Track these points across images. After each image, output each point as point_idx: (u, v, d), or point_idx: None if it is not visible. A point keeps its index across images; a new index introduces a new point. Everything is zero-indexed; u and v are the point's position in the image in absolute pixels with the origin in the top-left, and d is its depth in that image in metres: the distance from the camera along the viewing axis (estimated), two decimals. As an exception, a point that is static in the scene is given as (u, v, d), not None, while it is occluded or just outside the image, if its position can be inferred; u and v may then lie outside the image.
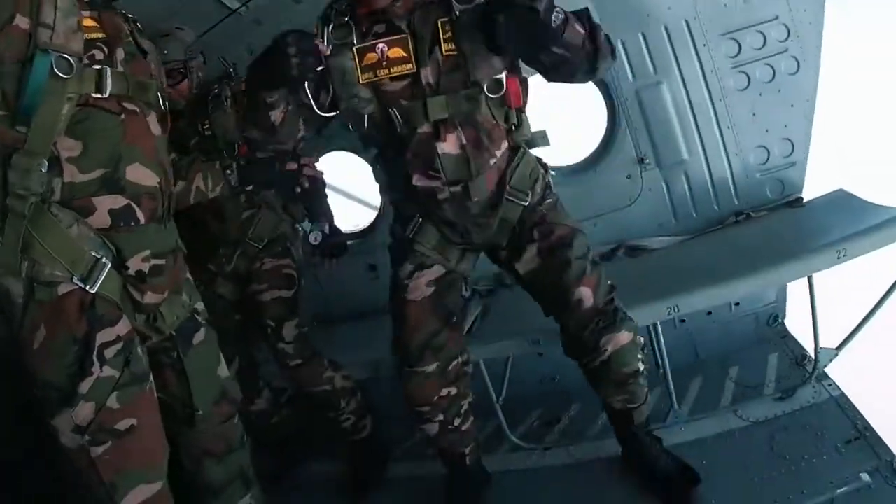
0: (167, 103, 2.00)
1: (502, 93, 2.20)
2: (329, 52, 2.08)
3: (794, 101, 3.56)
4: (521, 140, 2.36)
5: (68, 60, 1.64)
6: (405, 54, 2.12)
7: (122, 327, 1.72)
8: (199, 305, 2.05)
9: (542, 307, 2.43)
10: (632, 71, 3.56)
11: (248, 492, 2.15)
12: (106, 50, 1.77)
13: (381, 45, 2.13)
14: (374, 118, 2.22)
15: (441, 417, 2.47)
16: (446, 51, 2.12)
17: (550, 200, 2.42)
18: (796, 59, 3.52)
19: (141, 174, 1.77)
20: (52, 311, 1.62)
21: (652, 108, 3.58)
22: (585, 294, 2.27)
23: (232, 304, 3.26)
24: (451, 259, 2.43)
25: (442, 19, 2.12)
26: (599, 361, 2.30)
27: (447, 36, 2.11)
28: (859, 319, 2.95)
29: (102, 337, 1.65)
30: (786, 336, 3.63)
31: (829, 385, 2.95)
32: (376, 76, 2.15)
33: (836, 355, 2.99)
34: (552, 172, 2.55)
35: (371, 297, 3.94)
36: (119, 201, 1.73)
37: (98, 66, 1.71)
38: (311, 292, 3.82)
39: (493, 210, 2.32)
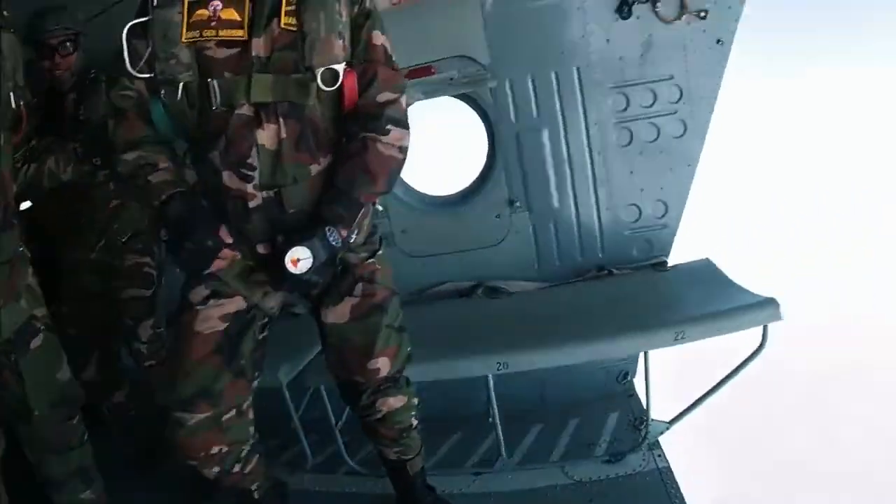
0: (22, 103, 1.98)
1: (336, 86, 1.92)
2: (158, 2, 1.86)
3: (675, 164, 3.57)
4: None
5: None
6: (239, 18, 1.85)
7: None
8: (40, 311, 2.05)
9: (327, 357, 2.24)
10: (515, 112, 3.51)
11: (89, 487, 2.31)
12: None
13: (215, 3, 1.85)
14: (190, 90, 1.88)
15: (217, 469, 2.12)
16: (285, 24, 1.86)
17: (381, 252, 2.20)
18: (684, 123, 3.53)
19: None
20: None
21: (530, 152, 3.54)
22: (383, 363, 2.16)
23: (95, 295, 3.21)
24: (255, 294, 2.07)
25: None
26: (374, 419, 2.26)
27: (290, 9, 1.86)
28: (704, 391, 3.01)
29: None
30: (632, 395, 3.66)
31: (658, 455, 2.98)
32: (201, 36, 1.85)
33: (668, 428, 3.05)
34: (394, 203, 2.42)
35: None
36: None
37: None
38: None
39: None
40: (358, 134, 1.97)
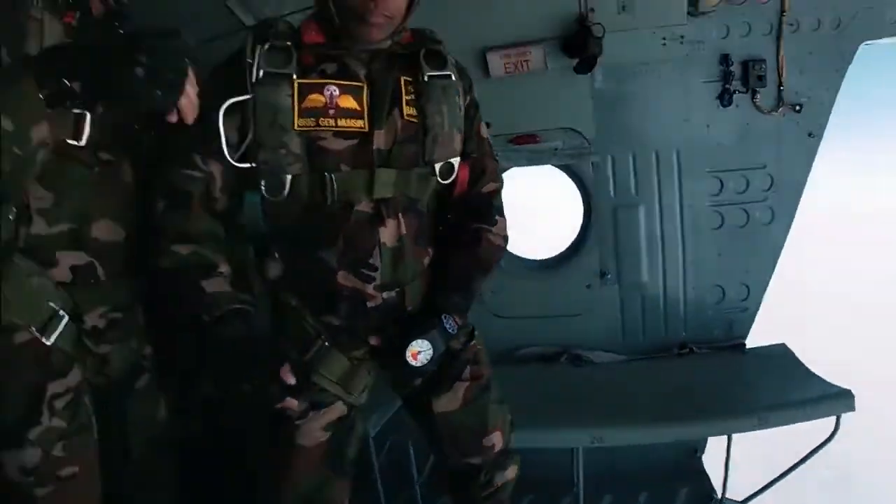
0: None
1: (451, 179, 1.85)
2: (258, 79, 1.62)
3: (761, 249, 3.65)
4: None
5: None
6: (358, 107, 1.68)
7: (73, 378, 1.64)
8: (147, 349, 1.97)
9: (435, 445, 2.10)
10: (614, 187, 3.61)
11: None
12: None
13: (331, 88, 1.66)
14: (298, 184, 1.68)
15: None
16: (407, 115, 1.73)
17: (477, 332, 2.11)
18: (772, 210, 3.61)
19: (108, 230, 1.66)
20: (6, 358, 1.56)
21: (624, 226, 3.63)
22: (497, 438, 2.07)
23: None
24: (355, 390, 1.91)
25: (406, 78, 1.76)
26: (488, 493, 2.13)
27: (410, 98, 1.74)
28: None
29: (53, 388, 1.59)
30: (700, 472, 3.69)
31: (729, 534, 3.00)
32: (317, 125, 1.65)
33: (740, 510, 3.06)
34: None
35: None
36: (82, 258, 1.63)
37: (78, 111, 1.47)
38: None
39: None
40: (470, 225, 1.95)
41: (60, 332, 1.59)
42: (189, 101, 1.42)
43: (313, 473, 1.89)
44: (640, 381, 3.49)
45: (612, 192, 3.62)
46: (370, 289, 1.77)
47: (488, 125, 2.05)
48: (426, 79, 1.75)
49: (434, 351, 1.80)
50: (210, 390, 2.87)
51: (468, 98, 1.90)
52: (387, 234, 1.74)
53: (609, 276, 3.69)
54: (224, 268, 1.71)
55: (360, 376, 1.91)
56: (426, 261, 1.89)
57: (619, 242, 3.66)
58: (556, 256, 3.89)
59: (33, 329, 1.55)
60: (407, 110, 1.74)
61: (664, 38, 3.32)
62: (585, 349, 3.73)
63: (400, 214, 1.76)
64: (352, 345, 1.88)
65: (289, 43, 1.66)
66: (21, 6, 1.44)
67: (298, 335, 1.83)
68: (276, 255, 1.82)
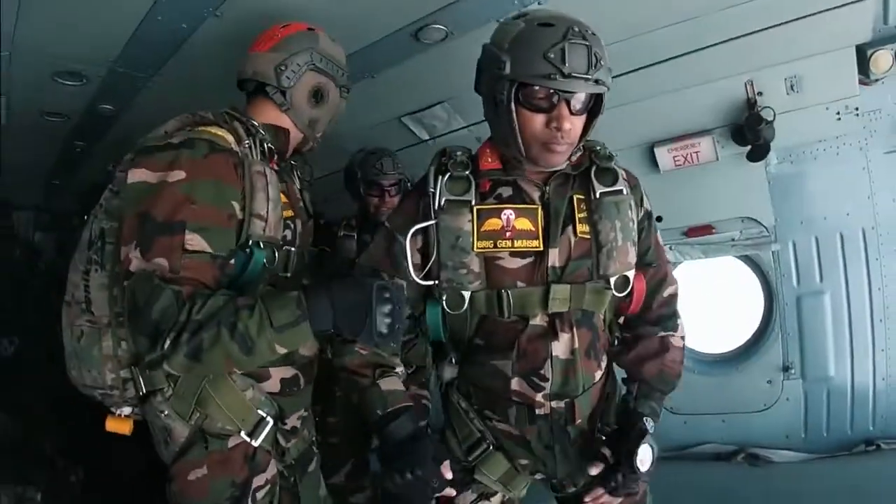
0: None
1: (627, 291, 1.87)
2: (440, 206, 1.77)
3: (960, 334, 3.33)
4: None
5: (273, 249, 1.77)
6: (533, 228, 1.77)
7: (270, 471, 1.85)
8: (314, 435, 2.15)
9: None
10: (797, 275, 3.35)
11: None
12: (293, 226, 1.90)
13: (508, 212, 1.77)
14: (476, 299, 1.81)
15: None
16: (580, 232, 1.79)
17: None
18: (972, 292, 3.28)
19: (310, 346, 1.90)
20: (219, 459, 1.76)
21: (809, 315, 3.38)
22: None
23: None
24: (515, 488, 1.99)
25: (579, 196, 1.82)
26: None
27: (583, 216, 1.80)
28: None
29: (257, 481, 1.80)
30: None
31: None
32: (495, 246, 1.76)
33: None
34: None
35: None
36: (290, 371, 1.88)
37: (288, 248, 1.87)
38: None
39: (587, 437, 1.93)
40: (655, 334, 1.98)
41: (265, 435, 1.81)
42: None
43: None
44: (823, 482, 3.23)
45: (794, 281, 3.37)
46: (539, 397, 1.82)
47: (660, 219, 2.13)
48: (598, 196, 1.81)
49: (654, 454, 1.83)
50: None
51: (641, 210, 1.92)
52: (559, 347, 1.80)
53: (793, 370, 3.43)
54: (399, 369, 1.88)
55: (520, 478, 1.98)
56: (597, 375, 1.91)
57: (804, 333, 3.40)
58: (734, 350, 3.67)
59: (243, 433, 1.78)
60: (580, 228, 1.80)
61: (838, 112, 3.06)
62: (764, 447, 3.47)
63: (573, 328, 1.81)
64: (518, 453, 1.92)
65: (467, 172, 1.81)
66: None
67: (466, 435, 1.96)
68: (453, 360, 1.96)
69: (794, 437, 3.51)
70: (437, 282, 1.79)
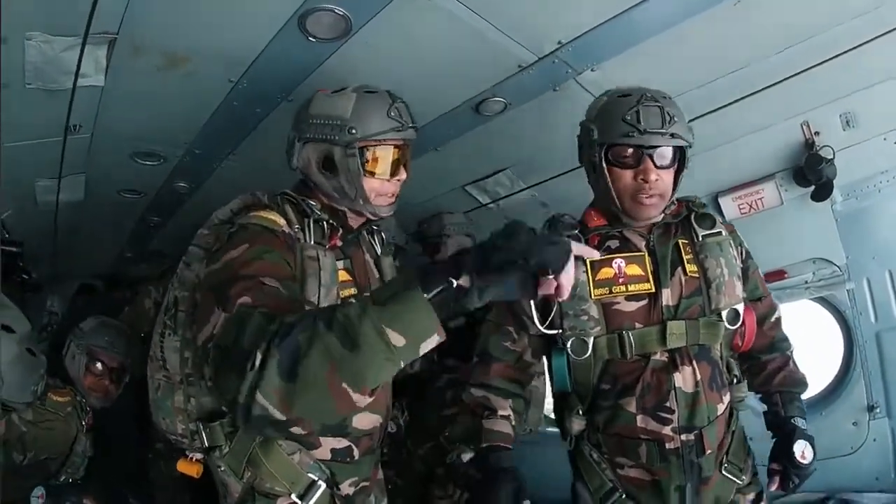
0: None
1: (738, 325, 2.04)
2: None
3: None
4: (737, 399, 2.14)
5: None
6: (642, 273, 1.97)
7: None
8: (384, 502, 2.11)
9: None
10: (874, 311, 3.25)
11: None
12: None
13: (618, 261, 1.97)
14: (598, 343, 1.97)
15: None
16: (690, 272, 1.98)
17: (764, 497, 2.12)
18: None
19: (366, 421, 1.85)
20: None
21: (891, 352, 3.24)
22: None
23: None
24: None
25: (683, 241, 2.02)
26: None
27: (689, 257, 1.99)
28: None
29: None
30: None
31: None
32: (610, 293, 1.96)
33: None
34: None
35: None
36: (342, 443, 1.84)
37: None
38: None
39: (715, 473, 2.00)
40: (775, 354, 2.23)
41: (317, 499, 1.78)
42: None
43: None
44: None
45: (872, 317, 3.26)
46: (668, 430, 1.92)
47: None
48: (701, 238, 2.02)
49: (812, 447, 2.10)
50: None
51: (741, 248, 2.15)
52: (681, 379, 1.93)
53: (878, 409, 3.32)
54: (505, 412, 2.06)
55: None
56: (720, 407, 2.00)
57: (887, 371, 3.28)
58: (817, 395, 3.54)
59: (293, 496, 1.77)
60: (689, 268, 1.98)
61: (896, 142, 3.01)
62: (854, 491, 3.33)
63: (693, 361, 1.95)
64: (650, 502, 1.98)
65: (577, 231, 2.02)
66: None
67: (598, 486, 2.04)
68: (580, 412, 2.05)
69: (884, 479, 3.34)
70: (560, 330, 1.96)
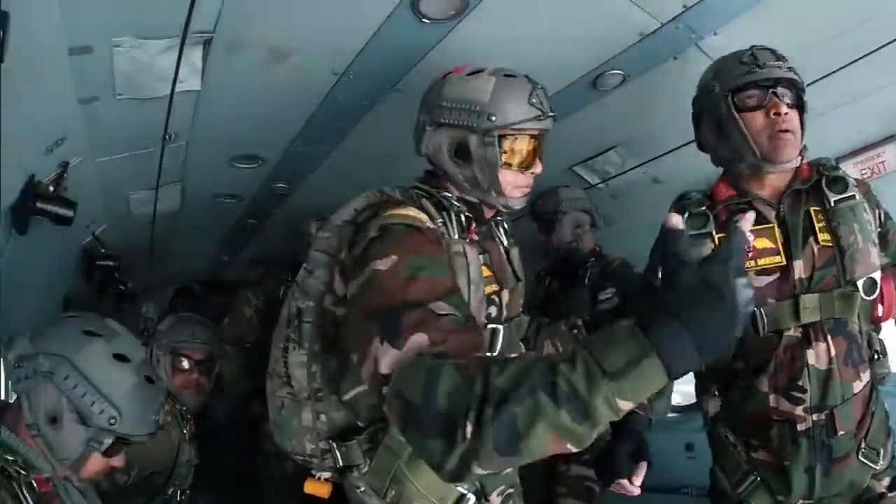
0: None
1: (875, 295, 1.91)
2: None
3: None
4: (879, 377, 1.98)
5: None
6: (772, 245, 1.88)
7: None
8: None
9: None
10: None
11: None
12: (498, 301, 1.76)
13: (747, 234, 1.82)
14: None
15: None
16: (822, 241, 1.87)
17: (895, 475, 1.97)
18: None
19: None
20: None
21: None
22: None
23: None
24: None
25: (814, 208, 1.91)
26: None
27: (821, 226, 1.89)
28: None
29: None
30: None
31: None
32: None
33: None
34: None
35: (684, 474, 3.69)
36: None
37: (492, 327, 1.73)
38: None
39: (850, 455, 1.88)
40: None
41: None
42: None
43: None
44: None
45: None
46: (799, 411, 1.85)
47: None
48: (833, 204, 1.90)
49: None
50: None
51: (878, 211, 1.99)
52: (814, 356, 1.84)
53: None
54: None
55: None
56: (857, 385, 1.88)
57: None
58: None
59: None
60: (821, 237, 1.88)
61: None
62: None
63: (828, 337, 1.86)
64: (779, 487, 1.91)
65: (703, 208, 1.98)
66: None
67: (733, 469, 2.00)
68: (716, 394, 2.03)
69: None
70: None
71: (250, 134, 2.83)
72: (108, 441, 1.61)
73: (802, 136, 1.92)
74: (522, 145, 1.72)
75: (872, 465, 1.90)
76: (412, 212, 1.58)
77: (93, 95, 2.21)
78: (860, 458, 1.89)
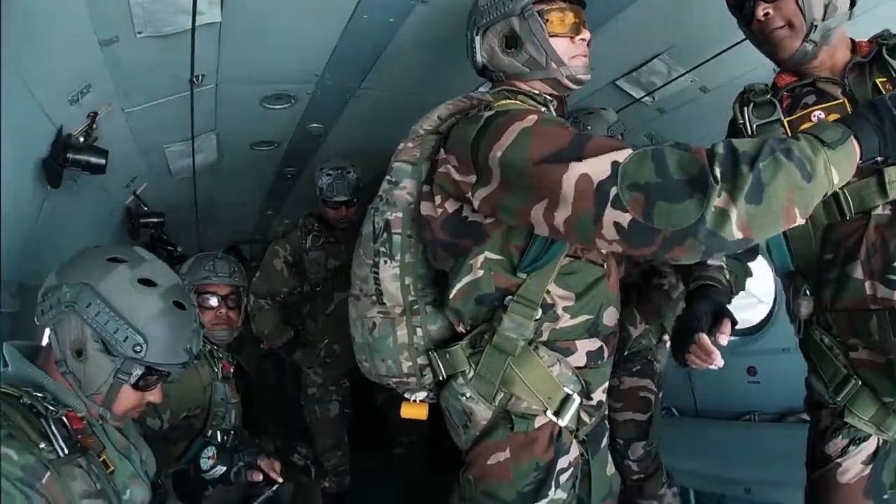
0: None
1: None
2: (754, 132, 1.87)
3: None
4: None
5: None
6: None
7: (574, 452, 1.75)
8: (606, 407, 2.01)
9: None
10: None
11: None
12: None
13: (817, 113, 1.78)
14: (816, 209, 1.65)
15: None
16: None
17: None
18: None
19: (612, 317, 1.81)
20: (523, 441, 1.68)
21: None
22: None
23: None
24: (890, 429, 1.82)
25: (881, 79, 1.76)
26: None
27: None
28: None
29: (561, 464, 1.70)
30: None
31: None
32: None
33: None
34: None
35: (745, 400, 3.61)
36: (595, 343, 1.76)
37: None
38: (680, 384, 3.77)
39: None
40: None
41: (572, 413, 1.70)
42: None
43: None
44: None
45: None
46: None
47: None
48: None
49: None
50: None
51: None
52: None
53: None
54: (719, 263, 1.96)
55: (893, 419, 1.80)
56: None
57: None
58: None
59: (549, 413, 1.68)
60: None
61: None
62: None
63: None
64: (884, 386, 1.77)
65: (768, 96, 1.89)
66: None
67: (832, 374, 1.85)
68: (807, 293, 1.87)
69: None
70: None
71: (278, 69, 2.76)
72: (137, 372, 1.55)
73: (825, 18, 1.75)
74: (560, 15, 1.74)
75: None
76: (518, 103, 1.66)
77: (113, 36, 2.17)
78: None
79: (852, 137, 1.33)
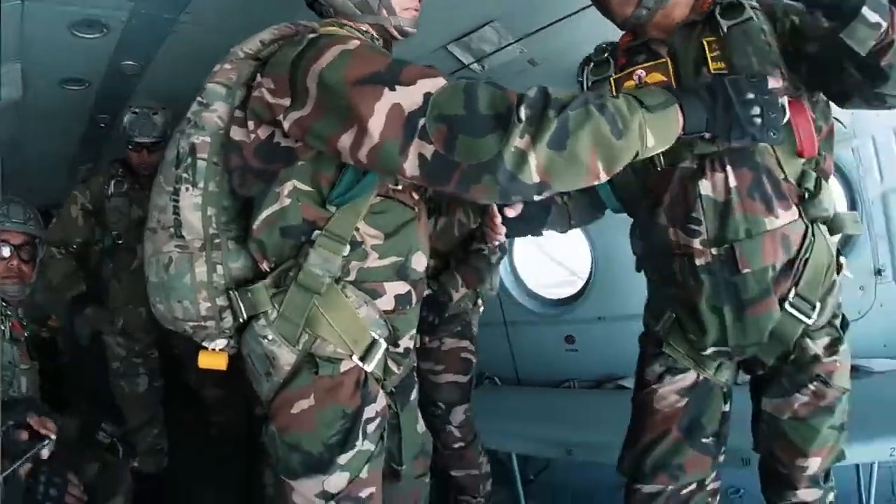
0: None
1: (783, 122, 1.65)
2: (588, 88, 2.00)
3: None
4: (818, 216, 1.83)
5: None
6: (665, 79, 1.85)
7: (381, 402, 1.71)
8: (415, 361, 2.05)
9: (755, 431, 2.05)
10: (880, 171, 3.12)
11: None
12: None
13: (638, 72, 1.89)
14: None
15: None
16: (714, 69, 1.78)
17: (843, 347, 1.90)
18: None
19: (421, 262, 1.78)
20: (328, 385, 1.62)
21: (897, 213, 3.13)
22: (813, 463, 1.93)
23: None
24: (708, 368, 1.99)
25: (708, 38, 1.82)
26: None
27: (715, 54, 1.79)
28: None
29: (368, 413, 1.66)
30: None
31: None
32: None
33: None
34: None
35: (564, 368, 3.78)
36: (404, 287, 1.74)
37: None
38: (501, 353, 3.85)
39: (765, 299, 1.81)
40: None
41: (378, 360, 1.68)
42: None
43: (666, 439, 1.99)
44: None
45: (878, 177, 3.13)
46: (697, 243, 1.83)
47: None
48: (726, 31, 1.79)
49: None
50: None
51: (779, 24, 1.78)
52: (708, 186, 1.80)
53: (885, 273, 3.21)
54: None
55: (709, 360, 1.98)
56: (768, 221, 1.78)
57: (893, 233, 3.17)
58: None
59: (355, 357, 1.64)
60: (714, 65, 1.79)
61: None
62: (862, 357, 3.21)
63: (728, 168, 1.78)
64: (690, 325, 1.94)
65: (606, 55, 2.00)
66: None
67: (655, 305, 2.07)
68: (637, 233, 2.04)
69: (892, 345, 3.30)
70: None
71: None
72: None
73: None
74: None
75: (803, 319, 1.83)
76: (344, 32, 1.62)
77: None
78: (788, 307, 1.82)
79: (676, 106, 1.44)
